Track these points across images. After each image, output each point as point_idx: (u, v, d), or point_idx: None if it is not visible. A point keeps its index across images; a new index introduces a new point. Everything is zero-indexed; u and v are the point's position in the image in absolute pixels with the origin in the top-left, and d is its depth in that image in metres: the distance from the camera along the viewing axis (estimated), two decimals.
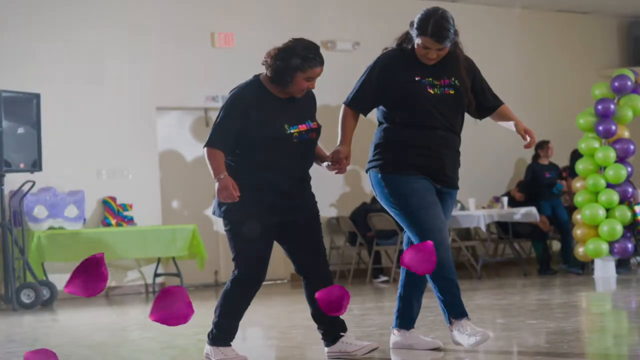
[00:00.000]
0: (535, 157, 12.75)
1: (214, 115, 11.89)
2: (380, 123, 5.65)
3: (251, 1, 13.07)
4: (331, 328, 5.55)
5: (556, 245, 13.54)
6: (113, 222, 11.78)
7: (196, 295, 11.51)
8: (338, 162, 5.53)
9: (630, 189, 11.17)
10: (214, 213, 5.52)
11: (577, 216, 11.34)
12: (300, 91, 5.42)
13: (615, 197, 11.05)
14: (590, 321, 7.43)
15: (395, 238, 12.09)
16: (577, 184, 11.41)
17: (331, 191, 13.14)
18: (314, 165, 5.61)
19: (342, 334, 5.55)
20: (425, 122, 5.50)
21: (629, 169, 11.18)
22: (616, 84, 11.11)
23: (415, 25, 5.47)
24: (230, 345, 5.50)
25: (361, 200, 13.02)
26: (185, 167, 12.73)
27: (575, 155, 12.07)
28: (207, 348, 5.52)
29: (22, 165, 10.52)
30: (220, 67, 12.58)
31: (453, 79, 5.54)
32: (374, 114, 5.76)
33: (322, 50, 5.51)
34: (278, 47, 5.39)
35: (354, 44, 13.57)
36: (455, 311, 5.54)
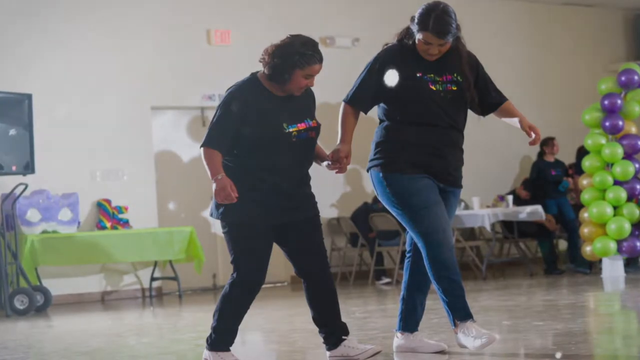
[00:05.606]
0: (541, 154, 12.73)
1: (210, 115, 11.83)
2: (381, 121, 5.64)
3: None
4: (333, 331, 5.54)
5: (563, 245, 13.53)
6: (108, 225, 11.69)
7: (194, 299, 11.45)
8: (338, 161, 5.52)
9: (638, 186, 11.11)
10: (211, 215, 5.51)
11: (584, 214, 11.30)
12: (298, 89, 5.39)
13: (622, 194, 10.99)
14: (598, 322, 7.42)
15: (398, 239, 12.04)
16: (583, 181, 11.37)
17: (331, 191, 13.10)
18: (314, 164, 5.59)
19: (344, 337, 5.53)
20: (427, 120, 5.48)
21: (637, 166, 11.15)
22: (623, 78, 11.08)
23: (416, 21, 5.46)
24: (229, 350, 5.48)
25: (362, 200, 12.96)
26: (182, 167, 12.66)
27: (582, 152, 12.06)
28: (206, 353, 5.49)
29: (14, 168, 10.52)
30: (217, 65, 12.54)
31: (455, 75, 5.53)
32: (375, 112, 5.71)
33: (321, 47, 5.47)
34: (275, 44, 5.37)
35: (354, 40, 13.51)
36: (460, 313, 5.51)
